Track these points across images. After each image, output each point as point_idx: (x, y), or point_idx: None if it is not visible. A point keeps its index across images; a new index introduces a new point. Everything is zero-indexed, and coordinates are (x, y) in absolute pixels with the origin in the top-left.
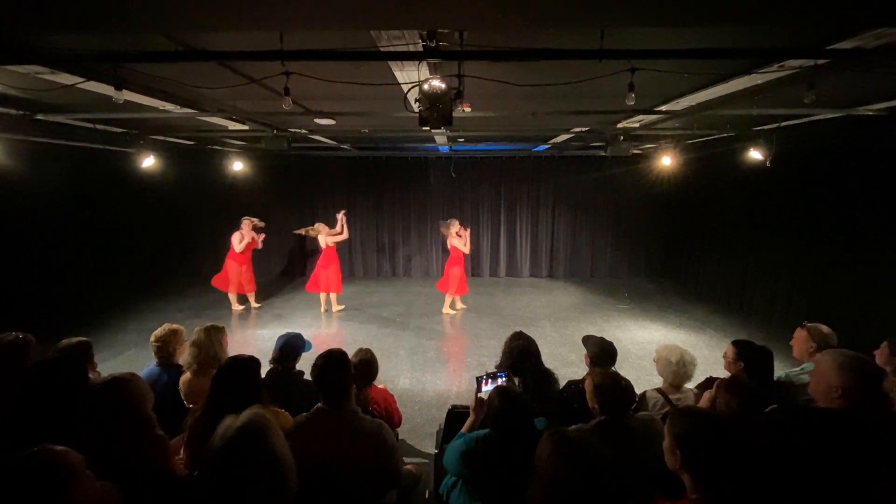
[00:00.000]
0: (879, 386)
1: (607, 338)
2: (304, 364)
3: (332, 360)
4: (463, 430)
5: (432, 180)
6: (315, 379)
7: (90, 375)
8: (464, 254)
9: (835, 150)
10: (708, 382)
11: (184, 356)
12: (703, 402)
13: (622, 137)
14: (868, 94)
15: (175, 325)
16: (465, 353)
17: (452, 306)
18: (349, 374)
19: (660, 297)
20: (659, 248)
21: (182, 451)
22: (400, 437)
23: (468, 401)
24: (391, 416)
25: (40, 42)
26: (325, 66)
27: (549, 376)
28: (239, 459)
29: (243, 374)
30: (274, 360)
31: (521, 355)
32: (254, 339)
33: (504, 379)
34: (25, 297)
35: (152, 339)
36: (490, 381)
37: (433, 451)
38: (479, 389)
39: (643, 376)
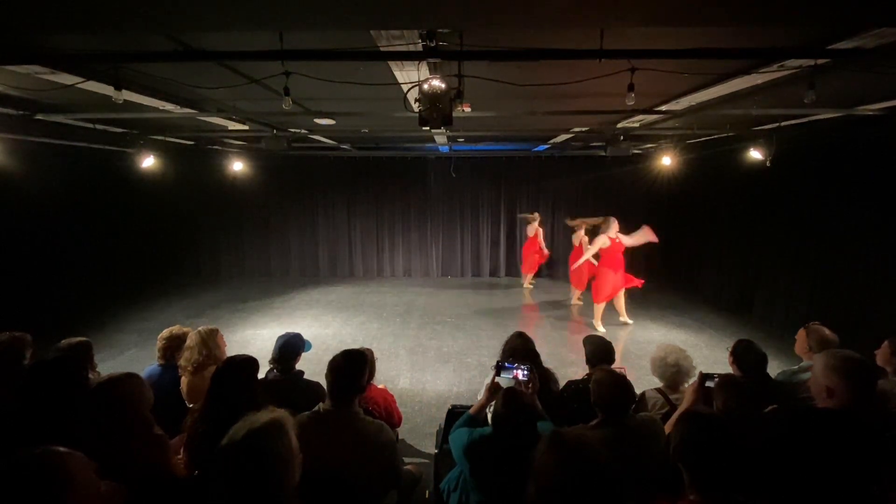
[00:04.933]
0: (871, 386)
1: (607, 338)
2: (304, 364)
3: (352, 360)
4: (471, 411)
5: (432, 180)
6: (331, 374)
7: (90, 376)
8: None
9: (835, 150)
10: (701, 377)
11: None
12: (688, 393)
13: (622, 137)
14: (868, 94)
15: (186, 329)
16: (465, 353)
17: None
18: (364, 376)
19: (660, 297)
20: (659, 248)
21: (182, 452)
22: (400, 437)
23: (468, 401)
24: (391, 416)
25: (40, 42)
26: (325, 66)
27: (548, 376)
28: (240, 461)
29: (241, 375)
30: (274, 361)
31: (519, 355)
32: (254, 339)
33: (527, 371)
34: (25, 297)
35: (160, 337)
36: (512, 370)
37: (433, 451)
38: (497, 373)
39: (643, 376)
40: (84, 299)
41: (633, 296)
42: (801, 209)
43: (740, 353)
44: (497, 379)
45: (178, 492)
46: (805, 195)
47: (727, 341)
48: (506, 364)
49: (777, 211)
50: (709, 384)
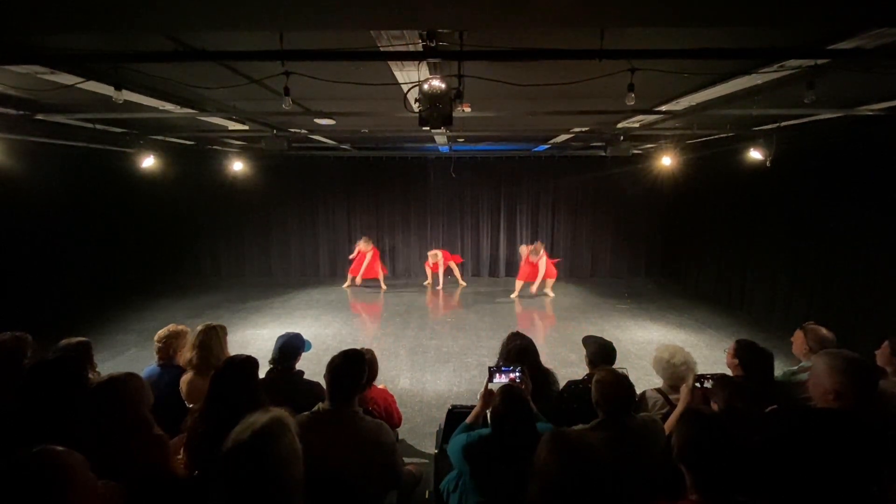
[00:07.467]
0: (874, 387)
1: (607, 338)
2: (304, 364)
3: (351, 360)
4: (468, 420)
5: (432, 180)
6: (330, 375)
7: (90, 376)
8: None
9: (835, 151)
10: (695, 378)
11: (185, 356)
12: (683, 394)
13: (622, 137)
14: (868, 94)
15: (180, 327)
16: (465, 353)
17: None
18: (363, 377)
19: (660, 297)
20: (659, 248)
21: (182, 452)
22: (400, 437)
23: (468, 401)
24: (391, 416)
25: (40, 42)
26: (325, 66)
27: (547, 376)
28: (247, 463)
29: (241, 375)
30: (273, 361)
31: (519, 355)
32: (254, 339)
33: (519, 374)
34: (25, 298)
35: (156, 338)
36: (503, 374)
37: (433, 451)
38: (490, 380)
39: (643, 376)
40: (84, 299)
41: (633, 295)
42: (801, 209)
43: (744, 353)
44: (490, 385)
45: (178, 492)
46: (805, 195)
47: (727, 341)
48: (500, 368)
49: (777, 211)
50: (705, 384)
